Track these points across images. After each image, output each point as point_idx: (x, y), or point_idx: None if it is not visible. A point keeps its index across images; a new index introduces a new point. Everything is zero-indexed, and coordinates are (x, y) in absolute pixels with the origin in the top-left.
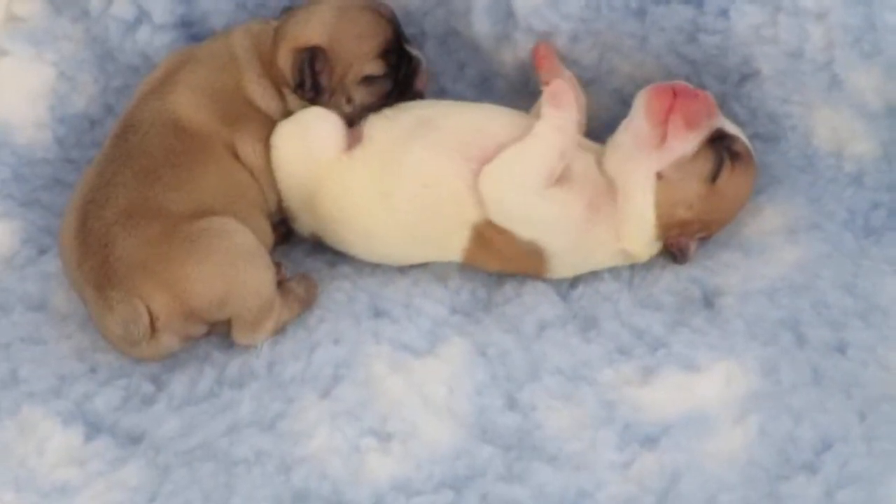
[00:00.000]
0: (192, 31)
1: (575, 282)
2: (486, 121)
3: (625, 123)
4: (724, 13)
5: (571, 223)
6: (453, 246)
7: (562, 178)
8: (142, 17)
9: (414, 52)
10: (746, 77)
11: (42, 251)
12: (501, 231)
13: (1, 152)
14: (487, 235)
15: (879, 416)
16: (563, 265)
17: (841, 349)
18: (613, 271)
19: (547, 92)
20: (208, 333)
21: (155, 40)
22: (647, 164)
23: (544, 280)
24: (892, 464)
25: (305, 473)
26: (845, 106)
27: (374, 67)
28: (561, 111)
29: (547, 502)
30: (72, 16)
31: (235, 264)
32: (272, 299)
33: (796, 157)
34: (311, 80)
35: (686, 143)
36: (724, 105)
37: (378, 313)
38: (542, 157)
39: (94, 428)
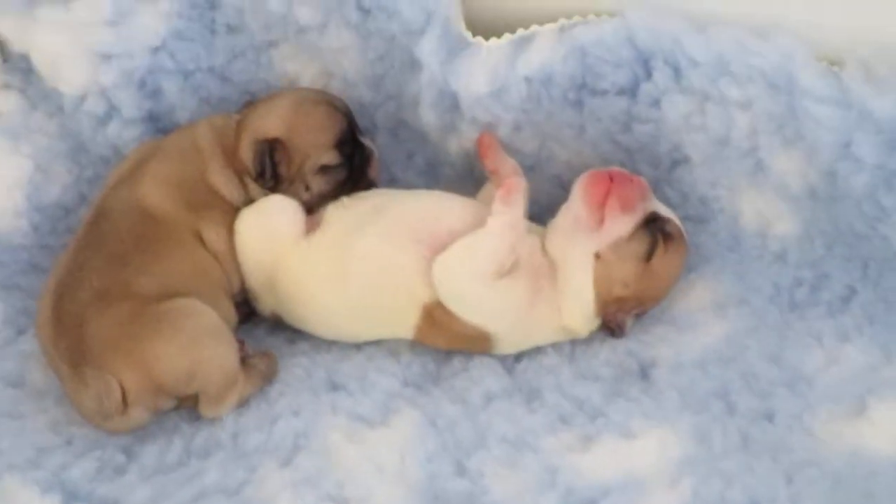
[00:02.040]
0: (159, 125)
1: (519, 356)
2: (436, 208)
3: (564, 207)
4: (656, 103)
5: (516, 309)
6: (404, 324)
7: (510, 267)
8: (112, 112)
9: (366, 142)
10: (677, 163)
11: (20, 332)
12: (450, 313)
13: None
14: (436, 315)
15: (804, 479)
16: (508, 344)
17: (768, 417)
18: (555, 346)
19: (501, 191)
20: (177, 407)
21: (124, 134)
22: (586, 245)
23: (490, 355)
24: None
25: None
26: (769, 189)
27: (330, 157)
28: (512, 208)
29: None
30: (47, 111)
31: (201, 342)
32: (236, 374)
33: (724, 237)
34: (270, 170)
35: (622, 225)
36: (657, 189)
37: (335, 387)
38: (493, 252)
39: (70, 496)
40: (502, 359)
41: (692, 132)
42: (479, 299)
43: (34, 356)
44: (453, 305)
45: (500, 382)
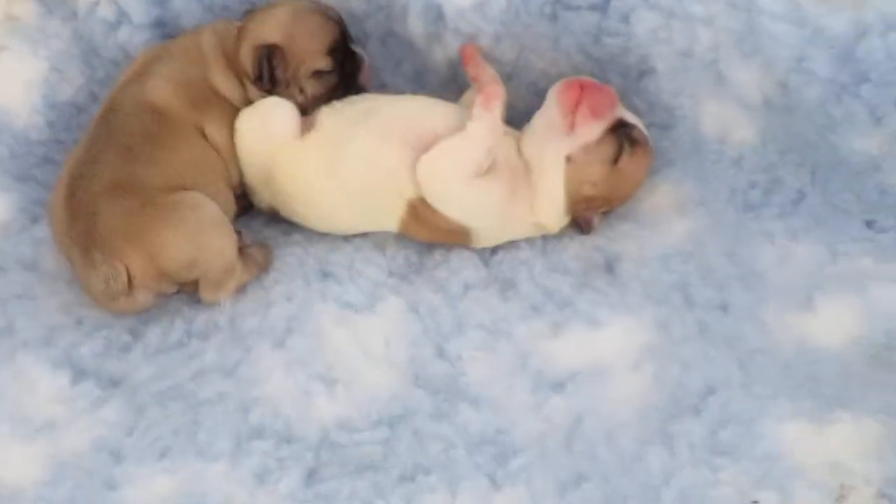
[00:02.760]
0: (166, 31)
1: (495, 249)
2: (422, 111)
3: (539, 113)
4: (625, 18)
5: (493, 206)
6: (390, 218)
7: (488, 168)
8: (122, 18)
9: (358, 50)
10: (644, 73)
11: (34, 220)
12: (432, 208)
13: (1, 135)
14: (420, 210)
15: (756, 365)
16: (485, 238)
17: (724, 308)
18: (529, 241)
19: (481, 97)
20: (178, 292)
21: (133, 38)
22: (558, 148)
23: (469, 248)
24: (766, 406)
25: (261, 412)
26: (728, 99)
27: (323, 63)
28: (491, 113)
29: (470, 439)
30: (62, 17)
31: (203, 232)
32: (234, 262)
33: (686, 143)
34: (268, 74)
35: (592, 130)
36: (624, 98)
37: (325, 275)
38: (472, 152)
39: (79, 372)
40: (480, 252)
41: (658, 45)
42: (458, 196)
43: (47, 242)
44: (435, 202)
45: (477, 273)
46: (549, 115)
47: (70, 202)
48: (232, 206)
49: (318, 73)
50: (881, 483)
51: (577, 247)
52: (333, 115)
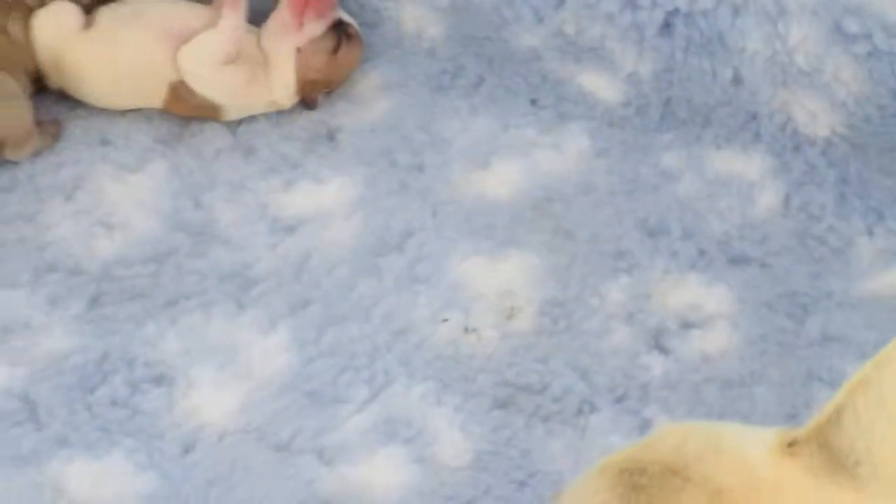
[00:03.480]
0: None
1: (240, 122)
2: (181, 11)
3: (274, 14)
4: None
5: (238, 87)
6: (156, 97)
7: (235, 57)
8: None
9: None
10: None
11: None
12: (190, 89)
13: None
14: (180, 91)
15: (445, 214)
16: (232, 112)
17: (419, 168)
18: (266, 115)
19: (228, 2)
20: None
21: None
22: (290, 42)
23: (219, 122)
24: (453, 245)
25: (54, 251)
26: (422, 3)
27: None
28: (237, 14)
29: (221, 272)
30: None
31: (6, 103)
32: (31, 129)
33: (390, 37)
34: None
35: (316, 27)
36: (341, 3)
37: (105, 142)
38: (223, 44)
39: None
40: (227, 124)
41: None
42: (210, 79)
43: None
44: (192, 83)
45: (226, 141)
46: (282, 16)
47: None
48: (29, 87)
49: None
50: (540, 303)
51: (304, 120)
52: (109, 14)
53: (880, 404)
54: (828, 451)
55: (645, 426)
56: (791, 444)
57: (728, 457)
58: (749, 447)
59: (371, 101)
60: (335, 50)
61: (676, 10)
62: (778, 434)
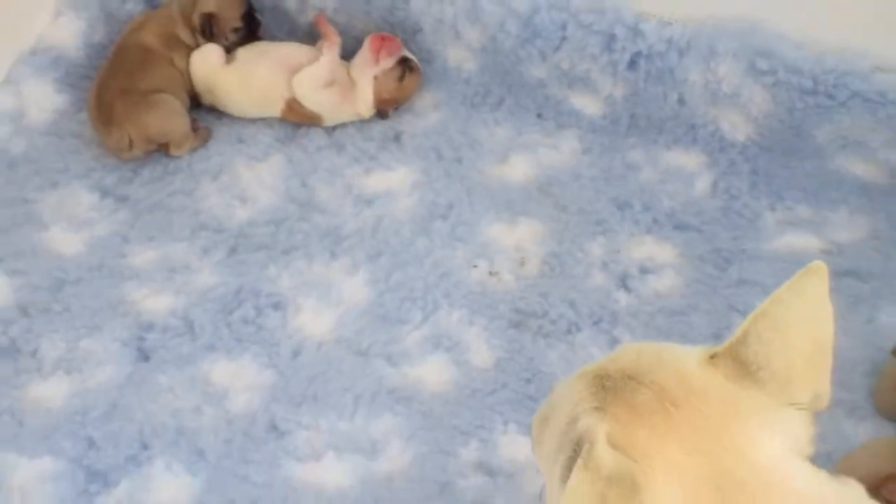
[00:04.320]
0: (152, 4)
1: (336, 127)
2: (293, 51)
3: (359, 52)
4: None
5: (333, 103)
6: (276, 109)
7: (331, 81)
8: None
9: (257, 16)
10: (416, 31)
11: (79, 109)
12: (300, 104)
13: (61, 61)
14: (293, 105)
15: (477, 193)
16: (328, 120)
17: (459, 160)
18: (353, 122)
19: (327, 43)
20: (157, 149)
21: (134, 9)
22: (370, 72)
23: (319, 126)
24: (483, 215)
25: (205, 216)
26: (462, 46)
27: (239, 24)
28: (333, 52)
29: (320, 231)
30: None
31: (170, 115)
32: (188, 133)
33: (439, 70)
34: (208, 31)
35: (389, 62)
36: (405, 44)
37: (240, 141)
38: (323, 73)
39: (104, 193)
40: (325, 129)
41: (423, 16)
42: (314, 97)
43: (85, 122)
44: (301, 100)
45: (324, 140)
46: (364, 54)
47: (97, 100)
48: (188, 103)
49: (235, 30)
50: (543, 255)
51: (379, 126)
52: (244, 53)
53: (774, 328)
54: (738, 362)
55: (614, 343)
56: (713, 357)
57: (670, 367)
58: (684, 360)
59: (426, 114)
60: (401, 78)
61: (640, 52)
62: (705, 350)
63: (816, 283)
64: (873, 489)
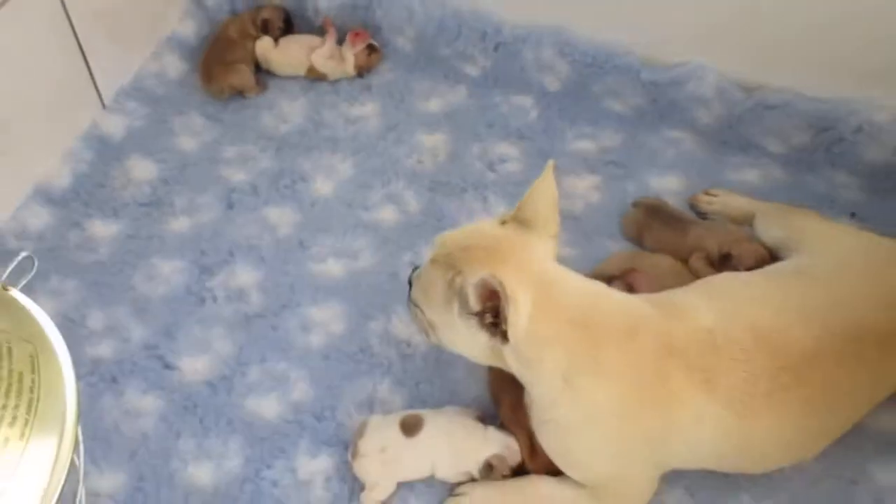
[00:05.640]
0: (235, 10)
1: (335, 80)
2: (312, 40)
3: (346, 41)
4: (379, 4)
5: (333, 68)
6: (303, 70)
7: (332, 56)
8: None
9: (293, 20)
10: (378, 29)
11: (194, 70)
12: (315, 68)
13: (182, 45)
14: (311, 69)
15: None
16: (332, 77)
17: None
18: (345, 78)
19: (328, 35)
20: (236, 94)
21: (223, 15)
22: (351, 51)
23: (326, 80)
24: None
25: (265, 127)
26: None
27: (281, 25)
28: (332, 40)
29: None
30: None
31: (244, 75)
32: (254, 85)
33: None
34: (264, 28)
35: (361, 46)
36: (374, 36)
37: (282, 90)
38: (326, 52)
39: (207, 117)
40: (329, 82)
41: (403, 23)
42: (323, 64)
43: (195, 78)
44: (316, 66)
45: (328, 88)
46: (348, 41)
47: (204, 66)
48: (252, 67)
49: (279, 28)
50: (448, 152)
51: (358, 81)
52: (284, 41)
53: (534, 200)
54: (519, 221)
55: (486, 202)
56: (504, 222)
57: (484, 233)
58: (489, 228)
59: (383, 74)
60: (370, 55)
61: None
62: (498, 218)
63: (549, 175)
64: (619, 281)
